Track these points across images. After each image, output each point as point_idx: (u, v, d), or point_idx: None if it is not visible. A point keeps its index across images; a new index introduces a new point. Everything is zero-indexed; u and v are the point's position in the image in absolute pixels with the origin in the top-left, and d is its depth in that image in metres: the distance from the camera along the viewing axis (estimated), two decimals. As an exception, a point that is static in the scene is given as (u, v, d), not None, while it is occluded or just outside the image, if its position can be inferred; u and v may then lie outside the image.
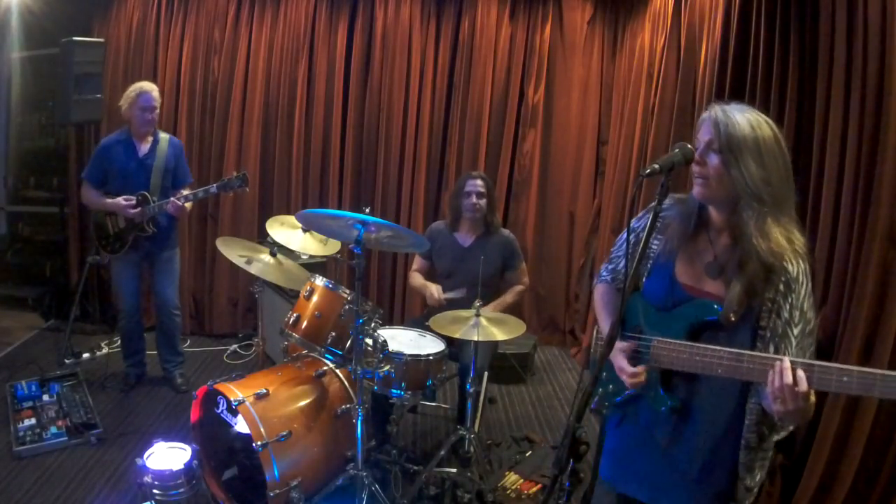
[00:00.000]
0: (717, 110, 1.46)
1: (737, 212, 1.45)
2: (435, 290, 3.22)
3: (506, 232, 3.40)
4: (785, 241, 1.41)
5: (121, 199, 3.48)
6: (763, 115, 1.46)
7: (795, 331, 1.41)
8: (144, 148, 3.58)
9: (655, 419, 1.59)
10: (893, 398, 1.17)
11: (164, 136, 3.65)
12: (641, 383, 1.55)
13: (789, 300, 1.41)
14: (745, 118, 1.43)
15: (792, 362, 1.28)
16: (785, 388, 1.27)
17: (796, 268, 1.42)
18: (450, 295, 3.18)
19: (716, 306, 1.47)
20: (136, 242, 3.59)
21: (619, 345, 1.61)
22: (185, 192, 3.60)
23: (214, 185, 3.47)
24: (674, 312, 1.54)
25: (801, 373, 1.27)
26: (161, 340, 3.88)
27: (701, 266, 1.54)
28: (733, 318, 1.43)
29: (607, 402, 1.70)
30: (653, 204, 1.48)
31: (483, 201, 3.25)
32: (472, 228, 3.34)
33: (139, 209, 3.48)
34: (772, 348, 1.42)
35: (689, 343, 1.47)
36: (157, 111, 3.57)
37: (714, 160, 1.44)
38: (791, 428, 1.50)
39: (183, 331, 4.69)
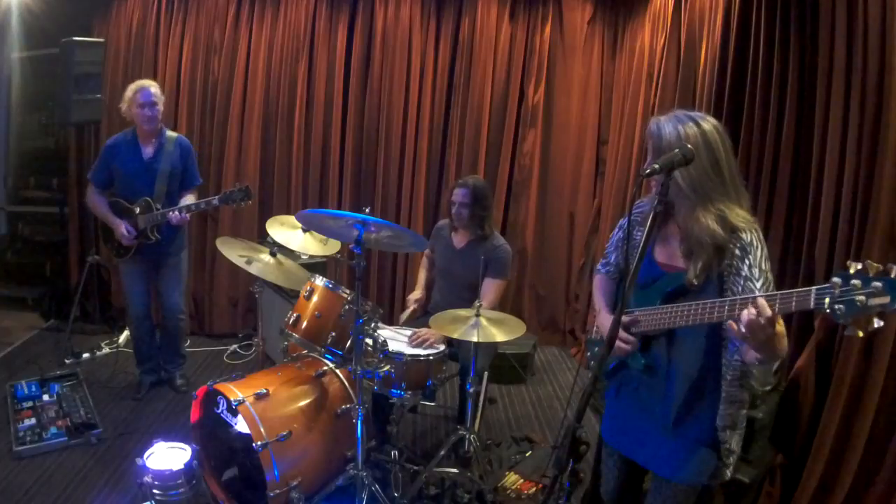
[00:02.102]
0: (651, 123, 1.70)
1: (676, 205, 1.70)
2: (411, 297, 3.40)
3: (499, 241, 3.25)
4: (716, 223, 1.62)
5: (121, 226, 3.42)
6: (697, 115, 1.66)
7: (758, 285, 1.60)
8: (149, 150, 3.46)
9: (641, 382, 1.85)
10: (800, 309, 1.40)
11: (170, 137, 3.51)
12: (627, 350, 1.81)
13: (747, 261, 1.62)
14: (672, 126, 1.65)
15: (741, 299, 1.48)
16: (753, 321, 1.43)
17: (750, 235, 1.64)
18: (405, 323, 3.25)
19: (683, 276, 1.71)
20: (142, 248, 3.52)
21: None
22: (188, 201, 3.51)
23: (216, 197, 3.35)
24: (652, 287, 1.79)
25: (761, 300, 1.44)
26: (164, 342, 3.87)
27: (673, 247, 1.78)
28: (695, 282, 1.67)
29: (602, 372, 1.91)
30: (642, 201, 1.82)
31: (466, 211, 3.17)
32: (466, 232, 3.33)
33: (134, 238, 3.43)
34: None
35: (660, 306, 1.73)
36: (159, 107, 3.40)
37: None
38: (768, 387, 1.74)
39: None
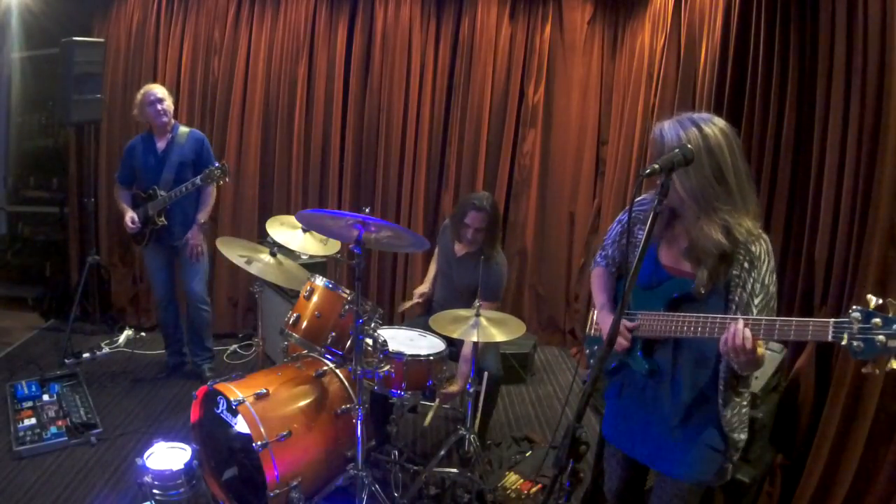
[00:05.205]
0: (655, 129, 1.66)
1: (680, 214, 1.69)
2: (416, 290, 3.40)
3: (498, 258, 3.13)
4: (720, 234, 1.59)
5: (126, 215, 3.66)
6: (702, 119, 1.60)
7: (756, 300, 1.61)
8: (162, 144, 3.67)
9: (647, 384, 1.83)
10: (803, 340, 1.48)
11: (183, 131, 3.71)
12: (624, 345, 1.79)
13: (752, 275, 1.61)
14: (674, 131, 1.60)
15: (744, 320, 1.49)
16: (736, 346, 1.48)
17: (759, 248, 1.62)
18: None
19: (691, 283, 1.69)
20: (156, 235, 3.71)
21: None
22: (208, 194, 3.72)
23: (198, 177, 3.51)
24: (656, 290, 1.76)
25: (747, 331, 1.48)
26: (189, 333, 4.00)
27: (679, 250, 1.75)
28: (703, 292, 1.66)
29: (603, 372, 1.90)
30: (645, 197, 1.79)
31: (481, 235, 3.06)
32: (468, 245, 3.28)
33: (135, 227, 3.66)
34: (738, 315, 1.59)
35: (664, 313, 1.71)
36: (167, 102, 3.61)
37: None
38: (749, 388, 1.73)
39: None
